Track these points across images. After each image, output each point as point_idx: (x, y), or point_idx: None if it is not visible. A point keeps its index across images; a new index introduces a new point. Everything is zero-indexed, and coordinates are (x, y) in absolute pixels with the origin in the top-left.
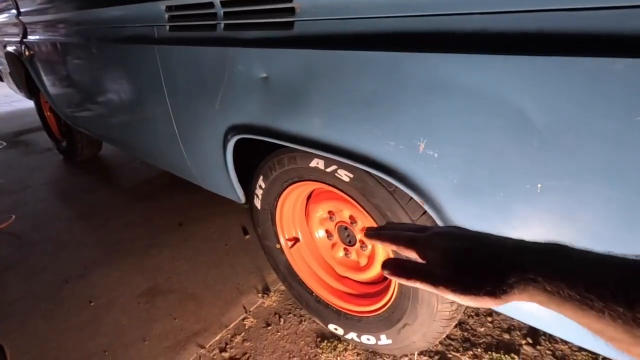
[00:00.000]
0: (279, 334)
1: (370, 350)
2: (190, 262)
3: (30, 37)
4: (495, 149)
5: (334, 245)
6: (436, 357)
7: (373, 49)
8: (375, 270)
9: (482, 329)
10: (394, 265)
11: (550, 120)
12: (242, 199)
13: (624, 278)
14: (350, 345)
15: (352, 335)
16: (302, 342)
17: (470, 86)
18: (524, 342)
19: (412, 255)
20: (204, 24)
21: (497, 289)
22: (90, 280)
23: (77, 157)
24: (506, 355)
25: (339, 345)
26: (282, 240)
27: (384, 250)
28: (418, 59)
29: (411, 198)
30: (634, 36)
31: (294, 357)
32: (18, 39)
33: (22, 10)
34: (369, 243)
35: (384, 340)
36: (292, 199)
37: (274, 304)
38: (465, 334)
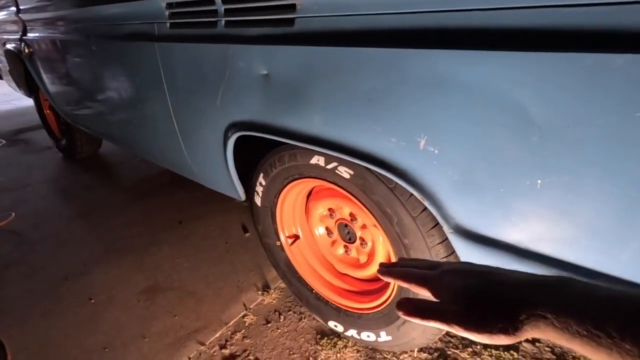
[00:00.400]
0: (279, 331)
1: (370, 347)
2: (190, 259)
3: (30, 35)
4: (496, 145)
5: (334, 242)
6: (436, 354)
7: (373, 45)
8: (375, 268)
9: None
10: (408, 306)
11: (551, 116)
12: (243, 196)
13: (632, 315)
14: (350, 342)
15: (352, 332)
16: (302, 339)
17: (471, 82)
18: None
19: (424, 293)
20: (204, 20)
21: (510, 327)
22: (90, 278)
23: (76, 155)
24: (505, 353)
25: (339, 342)
26: (282, 238)
27: (384, 250)
28: (418, 55)
29: (411, 194)
30: (634, 32)
31: (294, 354)
32: (17, 37)
33: (21, 7)
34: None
35: (383, 337)
36: (293, 196)
37: (274, 301)
38: None
